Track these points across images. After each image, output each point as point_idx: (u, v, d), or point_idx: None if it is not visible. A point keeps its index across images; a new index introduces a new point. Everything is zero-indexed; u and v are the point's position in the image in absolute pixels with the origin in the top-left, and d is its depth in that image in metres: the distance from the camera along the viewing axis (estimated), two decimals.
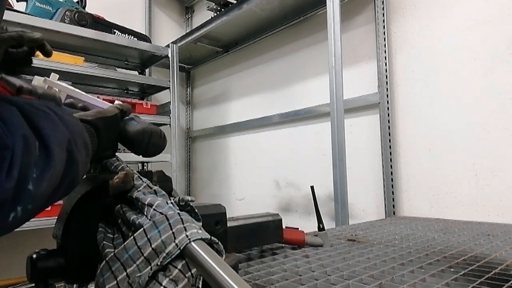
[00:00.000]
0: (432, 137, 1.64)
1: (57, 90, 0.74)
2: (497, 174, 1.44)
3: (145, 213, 0.41)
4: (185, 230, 0.36)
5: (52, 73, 0.78)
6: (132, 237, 0.37)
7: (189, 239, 0.35)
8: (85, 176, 0.59)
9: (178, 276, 0.35)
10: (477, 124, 1.50)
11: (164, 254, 0.35)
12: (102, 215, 0.46)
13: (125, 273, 0.36)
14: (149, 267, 0.35)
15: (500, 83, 1.45)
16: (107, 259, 0.38)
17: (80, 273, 0.44)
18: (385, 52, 1.80)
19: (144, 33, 2.70)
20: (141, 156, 0.58)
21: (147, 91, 2.72)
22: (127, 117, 0.57)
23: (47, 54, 0.65)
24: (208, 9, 2.41)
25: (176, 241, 0.35)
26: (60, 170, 0.33)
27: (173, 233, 0.36)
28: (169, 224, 0.37)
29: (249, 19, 2.28)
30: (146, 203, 0.41)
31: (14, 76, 0.52)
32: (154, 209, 0.40)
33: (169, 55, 2.42)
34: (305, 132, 2.23)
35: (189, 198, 0.47)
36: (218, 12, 2.37)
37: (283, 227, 0.95)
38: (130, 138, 0.55)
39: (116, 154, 0.58)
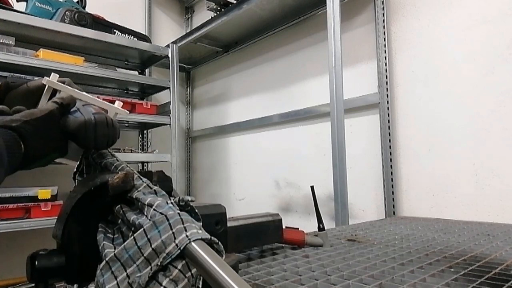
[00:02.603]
0: (432, 137, 1.64)
1: (57, 89, 0.74)
2: (497, 174, 1.44)
3: (145, 213, 0.41)
4: (185, 230, 0.36)
5: (52, 73, 0.78)
6: (132, 237, 0.37)
7: (189, 239, 0.35)
8: (85, 177, 0.59)
9: (178, 276, 0.35)
10: (477, 124, 1.50)
11: (164, 254, 0.35)
12: (102, 215, 0.46)
13: (125, 273, 0.36)
14: (149, 267, 0.35)
15: (500, 83, 1.45)
16: (107, 259, 0.38)
17: (80, 273, 0.44)
18: (385, 52, 1.80)
19: (144, 33, 2.70)
20: (94, 149, 0.54)
21: (147, 91, 2.72)
22: (73, 109, 0.53)
23: None
24: (208, 9, 2.41)
25: (176, 241, 0.35)
26: None
27: (173, 233, 0.36)
28: (169, 224, 0.36)
29: (249, 19, 2.28)
30: (146, 203, 0.41)
31: None
32: (154, 209, 0.40)
33: (169, 55, 2.42)
34: (305, 132, 2.23)
35: (189, 198, 0.47)
36: (218, 12, 2.37)
37: (283, 227, 0.95)
38: (72, 133, 0.50)
39: (116, 154, 0.58)
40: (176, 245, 0.35)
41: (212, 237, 0.37)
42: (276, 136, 2.43)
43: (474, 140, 1.51)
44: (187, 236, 0.35)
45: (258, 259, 0.87)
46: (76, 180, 0.58)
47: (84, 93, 0.77)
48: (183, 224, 0.37)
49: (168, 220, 0.37)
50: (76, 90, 0.75)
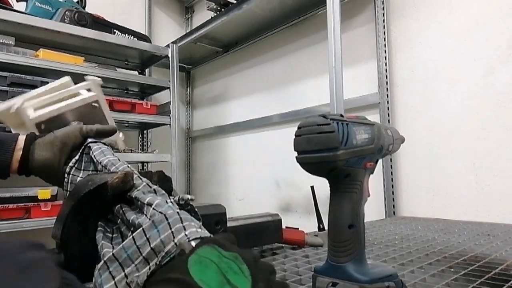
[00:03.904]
0: (432, 137, 1.64)
1: (91, 90, 0.76)
2: (497, 174, 1.44)
3: (145, 212, 0.40)
4: (184, 229, 0.36)
5: (96, 77, 0.80)
6: (131, 236, 0.37)
7: (188, 238, 0.35)
8: (84, 177, 0.58)
9: None
10: (477, 124, 1.50)
11: (163, 254, 0.35)
12: (102, 215, 0.46)
13: (123, 273, 0.36)
14: (148, 266, 0.35)
15: (500, 83, 1.44)
16: (105, 259, 0.38)
17: (80, 273, 0.43)
18: (385, 52, 1.80)
19: (144, 33, 2.70)
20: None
21: (147, 91, 2.72)
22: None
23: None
24: (208, 9, 2.40)
25: (175, 240, 0.35)
26: None
27: (172, 232, 0.36)
28: (168, 223, 0.36)
29: (249, 19, 2.28)
30: (145, 202, 0.41)
31: None
32: (153, 209, 0.40)
33: (169, 55, 2.42)
34: None
35: (188, 196, 0.47)
36: (218, 12, 2.37)
37: (283, 227, 0.95)
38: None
39: (116, 154, 0.58)
40: (175, 244, 0.35)
41: (212, 236, 0.37)
42: (276, 136, 2.43)
43: (474, 140, 1.51)
44: (186, 235, 0.35)
45: None
46: (71, 175, 0.58)
47: (108, 108, 0.80)
48: (182, 223, 0.36)
49: (167, 219, 0.37)
50: (106, 103, 0.78)
